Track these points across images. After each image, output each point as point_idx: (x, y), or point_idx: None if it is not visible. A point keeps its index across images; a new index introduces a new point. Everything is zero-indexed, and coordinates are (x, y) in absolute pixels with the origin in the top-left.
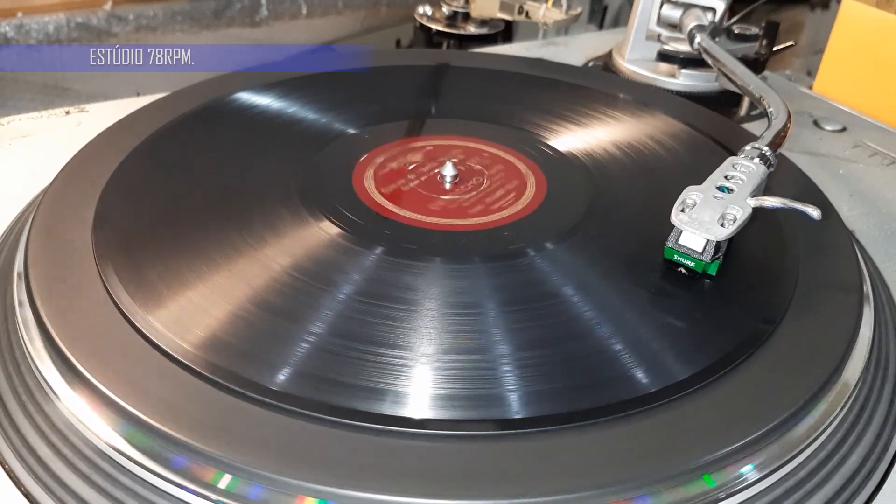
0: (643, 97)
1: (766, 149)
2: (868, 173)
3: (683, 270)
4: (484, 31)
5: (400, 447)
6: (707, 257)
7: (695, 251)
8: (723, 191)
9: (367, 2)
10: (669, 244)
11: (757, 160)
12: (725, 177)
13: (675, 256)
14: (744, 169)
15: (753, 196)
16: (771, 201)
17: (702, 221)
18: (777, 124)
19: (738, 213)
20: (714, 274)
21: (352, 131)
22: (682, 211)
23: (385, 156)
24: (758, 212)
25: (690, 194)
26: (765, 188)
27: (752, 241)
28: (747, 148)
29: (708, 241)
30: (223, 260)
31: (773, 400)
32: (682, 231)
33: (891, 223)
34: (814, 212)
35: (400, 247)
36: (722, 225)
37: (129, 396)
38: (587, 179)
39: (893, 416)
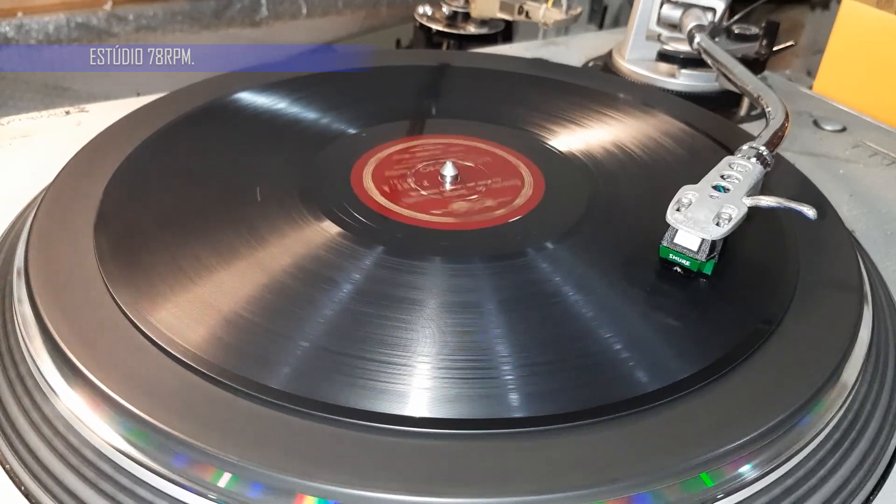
0: (643, 97)
1: (762, 148)
2: (868, 173)
3: (679, 270)
4: (484, 31)
5: (400, 446)
6: (702, 256)
7: (690, 250)
8: (719, 190)
9: (367, 2)
10: (665, 243)
11: (754, 160)
12: (722, 176)
13: (671, 256)
14: (740, 168)
15: (749, 195)
16: (767, 200)
17: (697, 220)
18: (775, 124)
19: (734, 212)
20: (710, 273)
21: (352, 131)
22: (678, 210)
23: (385, 156)
24: (754, 211)
25: (686, 193)
26: (763, 188)
27: (752, 242)
28: (744, 147)
29: (703, 240)
30: (223, 259)
31: (772, 400)
32: (677, 230)
33: (891, 223)
34: (809, 211)
35: (400, 247)
36: (717, 224)
37: (128, 395)
38: (587, 179)
39: (892, 417)
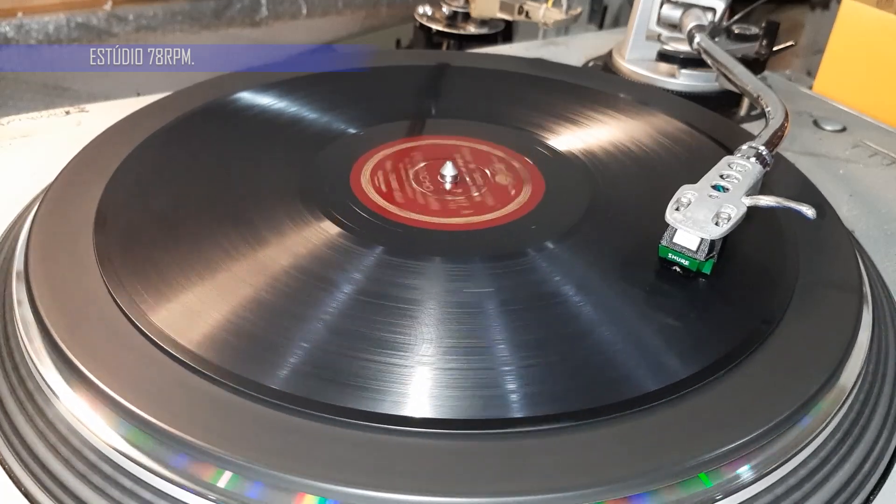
0: (643, 97)
1: (762, 148)
2: (868, 173)
3: (678, 269)
4: (484, 31)
5: (400, 446)
6: (701, 256)
7: (689, 250)
8: (718, 189)
9: (367, 2)
10: (664, 243)
11: (753, 159)
12: (721, 175)
13: (670, 255)
14: (740, 168)
15: (749, 195)
16: (766, 200)
17: (696, 220)
18: (774, 124)
19: (733, 211)
20: (709, 273)
21: (352, 131)
22: (677, 209)
23: (385, 156)
24: (753, 211)
25: (685, 193)
26: (763, 187)
27: (752, 242)
28: (744, 147)
29: (702, 239)
30: (223, 259)
31: (772, 400)
32: (676, 230)
33: (891, 223)
34: (808, 211)
35: (400, 247)
36: (716, 224)
37: (128, 395)
38: (587, 179)
39: (892, 417)
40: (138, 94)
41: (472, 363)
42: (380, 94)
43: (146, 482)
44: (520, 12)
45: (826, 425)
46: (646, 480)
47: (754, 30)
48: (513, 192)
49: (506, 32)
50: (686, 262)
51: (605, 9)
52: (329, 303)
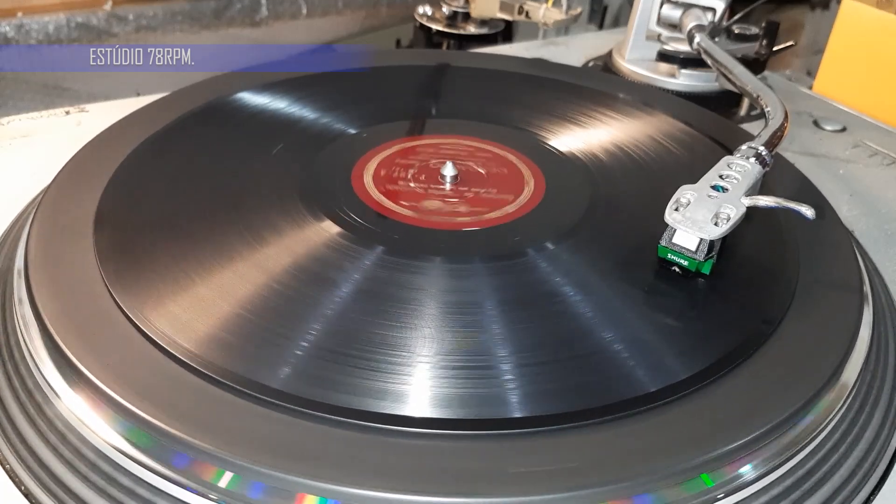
0: (643, 97)
1: (761, 148)
2: (868, 173)
3: (677, 269)
4: (484, 31)
5: (400, 446)
6: (700, 256)
7: (688, 250)
8: (717, 190)
9: (367, 2)
10: (663, 243)
11: (752, 159)
12: (720, 176)
13: (669, 255)
14: (739, 168)
15: (748, 195)
16: (765, 200)
17: (695, 220)
18: (774, 124)
19: (732, 211)
20: (708, 273)
21: (352, 131)
22: (676, 210)
23: (385, 156)
24: (753, 211)
25: (685, 193)
26: (763, 187)
27: (752, 242)
28: (743, 147)
29: (701, 239)
30: (223, 259)
31: (772, 400)
32: (675, 230)
33: (891, 223)
34: (807, 211)
35: (400, 246)
36: (715, 224)
37: (129, 395)
38: (587, 179)
39: (892, 417)
40: (138, 94)
41: (471, 363)
42: (380, 94)
43: (146, 482)
44: (520, 12)
45: (827, 424)
46: (647, 480)
47: (754, 30)
48: (513, 192)
49: (506, 32)
50: (685, 263)
51: (605, 9)
52: (329, 303)
